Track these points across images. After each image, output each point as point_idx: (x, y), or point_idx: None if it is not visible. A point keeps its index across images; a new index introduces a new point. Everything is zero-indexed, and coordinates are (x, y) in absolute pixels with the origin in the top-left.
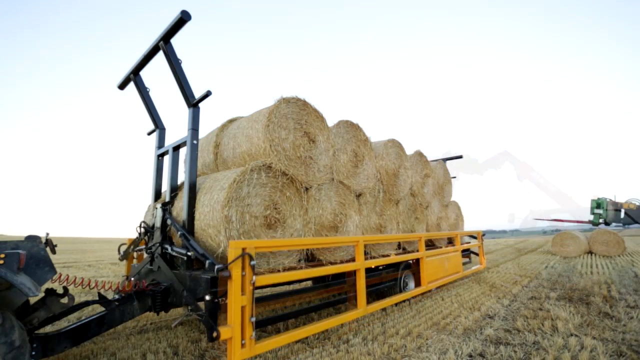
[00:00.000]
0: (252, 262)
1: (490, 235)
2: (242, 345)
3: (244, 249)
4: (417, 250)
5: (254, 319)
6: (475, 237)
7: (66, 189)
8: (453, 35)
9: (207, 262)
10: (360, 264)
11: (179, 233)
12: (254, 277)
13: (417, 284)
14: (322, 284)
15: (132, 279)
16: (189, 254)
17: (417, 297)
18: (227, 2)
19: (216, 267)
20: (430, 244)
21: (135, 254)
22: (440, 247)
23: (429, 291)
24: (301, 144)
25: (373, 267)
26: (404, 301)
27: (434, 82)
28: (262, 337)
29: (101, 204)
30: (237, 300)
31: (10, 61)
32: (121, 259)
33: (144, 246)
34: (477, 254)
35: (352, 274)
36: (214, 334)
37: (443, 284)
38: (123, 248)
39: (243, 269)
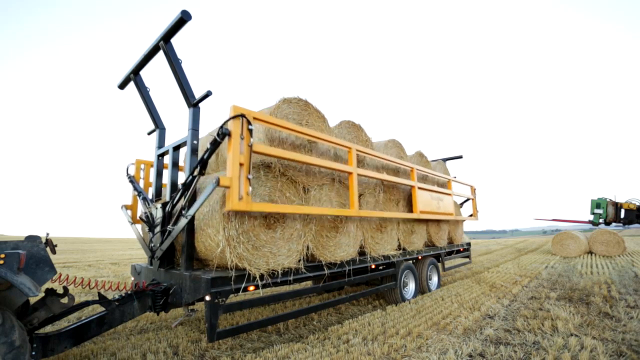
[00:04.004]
0: (250, 127)
1: (490, 235)
2: (240, 198)
3: (242, 114)
4: (417, 251)
5: (250, 176)
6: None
7: (66, 189)
8: (453, 35)
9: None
10: (353, 169)
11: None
12: (251, 140)
13: (410, 210)
14: (324, 284)
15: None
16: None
17: (417, 297)
18: (228, 2)
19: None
20: (431, 244)
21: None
22: (444, 222)
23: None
24: (302, 144)
25: (373, 267)
26: (403, 301)
27: (434, 82)
28: (262, 337)
29: (101, 204)
30: (235, 156)
31: (10, 60)
32: (128, 178)
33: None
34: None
35: None
36: (214, 181)
37: (435, 220)
38: (131, 168)
39: (242, 132)
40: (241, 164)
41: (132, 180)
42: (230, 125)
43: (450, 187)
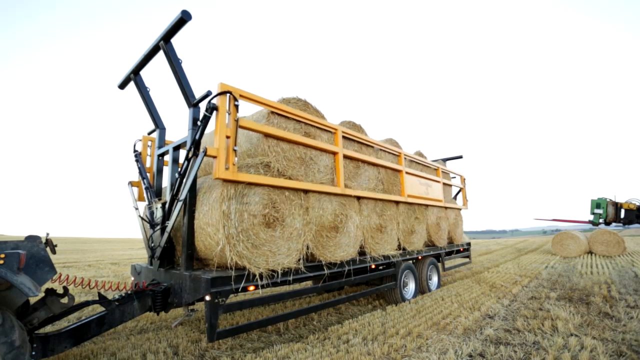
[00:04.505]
0: (236, 103)
1: (490, 235)
2: (226, 168)
3: (229, 91)
4: (417, 251)
5: (236, 148)
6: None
7: (66, 189)
8: (453, 34)
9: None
10: (339, 149)
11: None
12: (237, 116)
13: (400, 193)
14: (324, 284)
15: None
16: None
17: (417, 297)
18: (228, 2)
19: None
20: (431, 244)
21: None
22: (444, 221)
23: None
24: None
25: (373, 267)
26: (403, 301)
27: (434, 82)
28: (262, 337)
29: (101, 204)
30: (222, 129)
31: (11, 60)
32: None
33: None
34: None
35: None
36: (202, 150)
37: (424, 205)
38: (138, 145)
39: (229, 108)
40: (228, 137)
41: (139, 158)
42: (218, 101)
43: (439, 176)
